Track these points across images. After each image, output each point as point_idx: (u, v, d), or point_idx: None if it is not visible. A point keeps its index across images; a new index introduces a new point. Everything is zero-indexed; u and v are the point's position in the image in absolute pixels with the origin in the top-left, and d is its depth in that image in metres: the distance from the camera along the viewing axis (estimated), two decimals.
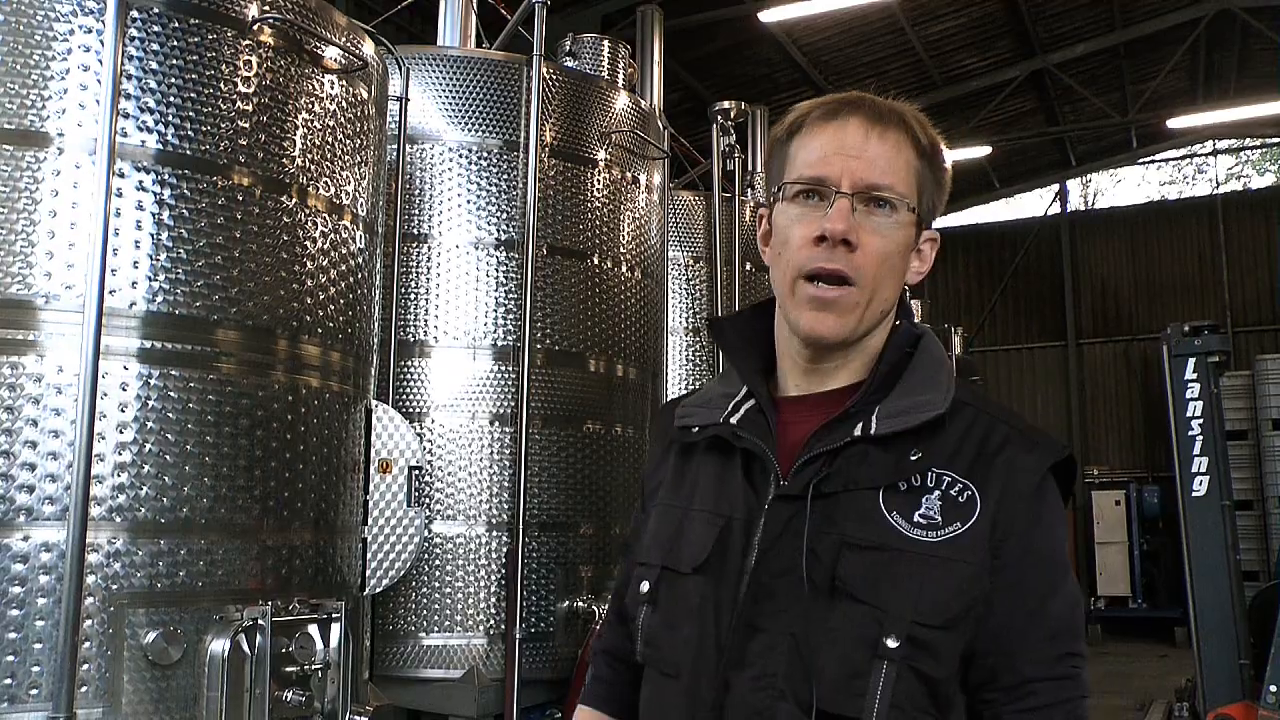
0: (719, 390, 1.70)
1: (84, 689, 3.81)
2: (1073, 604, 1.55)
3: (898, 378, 1.58)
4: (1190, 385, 6.02)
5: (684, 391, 1.88)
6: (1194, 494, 5.96)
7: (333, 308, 4.73)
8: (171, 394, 4.11)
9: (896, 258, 1.56)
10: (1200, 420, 5.98)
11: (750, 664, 1.49)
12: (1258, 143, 21.95)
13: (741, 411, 1.63)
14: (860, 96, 1.62)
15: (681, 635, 1.57)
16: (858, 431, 1.53)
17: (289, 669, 4.18)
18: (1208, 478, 5.93)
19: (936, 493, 1.51)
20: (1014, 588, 1.50)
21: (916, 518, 1.49)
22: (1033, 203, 22.70)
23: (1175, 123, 17.49)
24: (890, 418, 1.52)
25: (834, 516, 1.50)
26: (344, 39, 4.87)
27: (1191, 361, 6.07)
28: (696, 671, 1.54)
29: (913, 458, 1.51)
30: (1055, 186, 22.27)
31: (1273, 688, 5.35)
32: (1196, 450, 5.97)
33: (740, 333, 1.73)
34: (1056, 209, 22.14)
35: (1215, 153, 21.96)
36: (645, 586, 1.64)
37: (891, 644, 1.43)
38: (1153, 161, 22.56)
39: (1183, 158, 22.42)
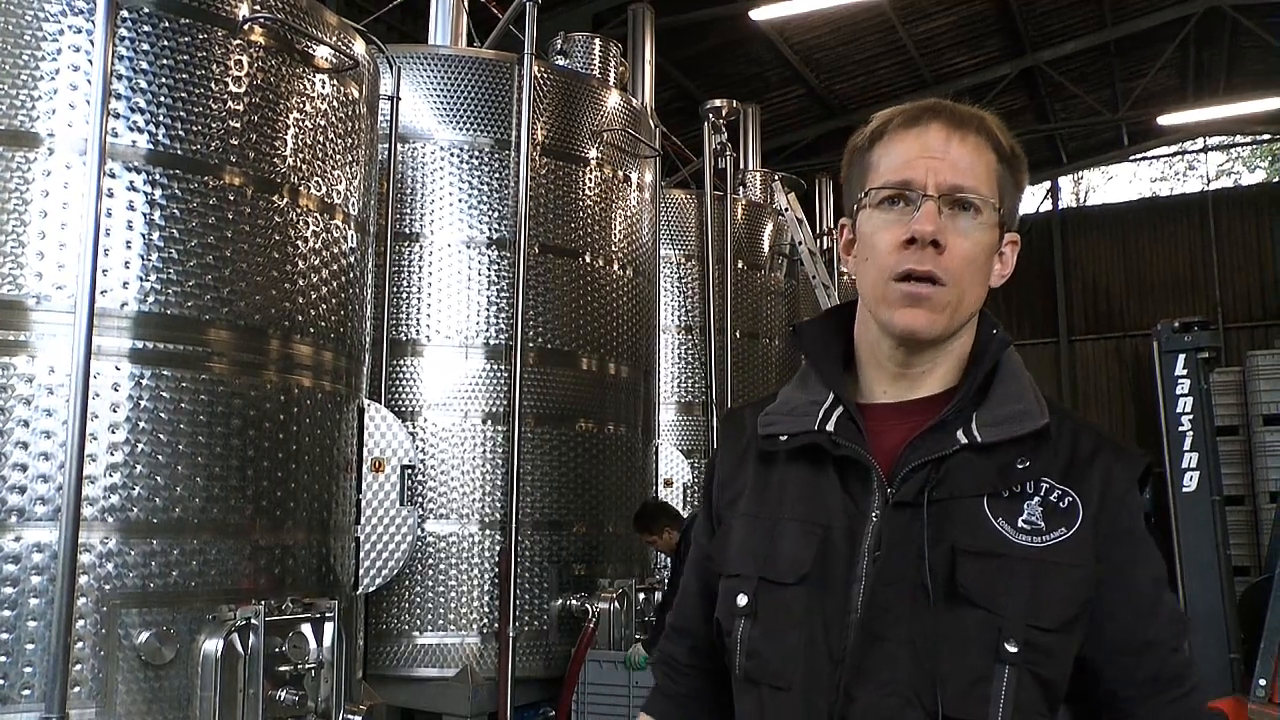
0: (803, 398, 1.67)
1: (77, 689, 3.81)
2: (1174, 598, 1.62)
3: (987, 386, 1.60)
4: (1181, 381, 6.03)
5: (743, 402, 1.89)
6: (1185, 489, 5.97)
7: (325, 307, 4.73)
8: (163, 394, 4.11)
9: (982, 259, 1.58)
10: (1190, 416, 6.00)
11: (872, 673, 1.50)
12: (1248, 140, 22.01)
13: (833, 419, 1.62)
14: (939, 103, 1.62)
15: (788, 646, 1.57)
16: (962, 439, 1.54)
17: (283, 668, 4.18)
18: (1198, 473, 5.94)
19: (1037, 499, 1.53)
20: (1130, 590, 1.54)
21: (1020, 523, 1.51)
22: (1024, 200, 22.72)
23: (1166, 120, 17.53)
24: (992, 426, 1.54)
25: (943, 523, 1.52)
26: (335, 38, 4.87)
27: (1182, 358, 6.09)
28: (810, 683, 1.54)
29: (1020, 466, 1.53)
30: (1047, 184, 22.30)
31: (1262, 681, 5.37)
32: (1187, 446, 5.98)
33: (819, 339, 1.73)
34: (1048, 206, 22.18)
35: (1206, 149, 22.00)
36: (743, 599, 1.61)
37: (1011, 648, 1.46)
38: (1144, 158, 22.60)
39: (1174, 155, 22.46)
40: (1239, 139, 21.91)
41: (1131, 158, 22.42)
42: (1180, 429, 5.99)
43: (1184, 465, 5.92)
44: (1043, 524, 1.51)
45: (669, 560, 7.19)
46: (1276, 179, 22.14)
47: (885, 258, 1.55)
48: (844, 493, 1.58)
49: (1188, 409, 5.97)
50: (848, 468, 1.59)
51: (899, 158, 1.57)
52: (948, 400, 1.59)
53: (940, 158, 1.55)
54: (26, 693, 3.75)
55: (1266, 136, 21.58)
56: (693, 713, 1.85)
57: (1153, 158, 22.59)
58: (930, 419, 1.57)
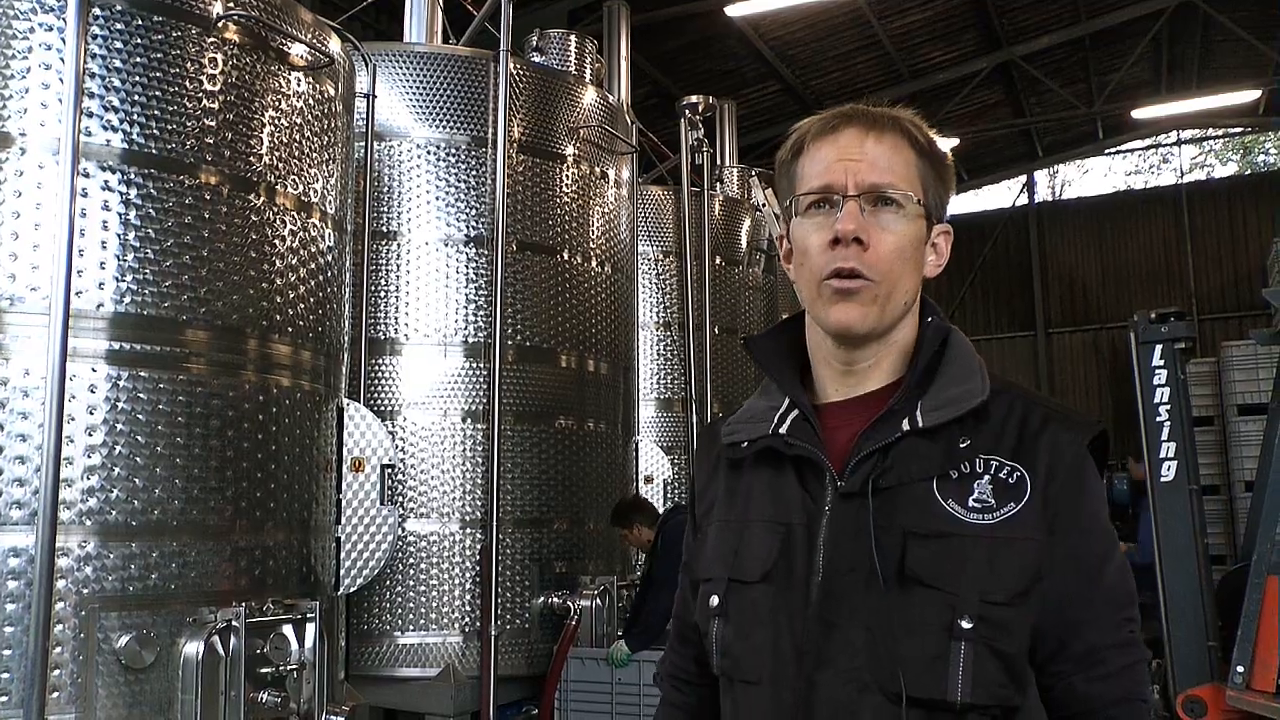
0: (762, 404, 1.74)
1: (56, 694, 3.78)
2: (1124, 569, 1.63)
3: (934, 373, 1.65)
4: (1157, 372, 6.06)
5: (723, 415, 2.01)
6: (1162, 479, 6.00)
7: (303, 306, 4.71)
8: (141, 395, 4.08)
9: (910, 251, 1.62)
10: (1167, 406, 6.02)
11: (831, 661, 1.55)
12: (1220, 133, 22.20)
13: (788, 421, 1.68)
14: (854, 108, 1.68)
15: (755, 642, 1.62)
16: (905, 426, 1.58)
17: (264, 670, 4.16)
18: (1175, 463, 5.97)
19: (986, 477, 1.57)
20: (1070, 559, 1.57)
21: (971, 502, 1.56)
22: (1001, 194, 22.85)
23: (1140, 114, 17.65)
24: (935, 410, 1.59)
25: (893, 510, 1.56)
26: (310, 35, 4.84)
27: (1158, 348, 6.11)
28: (777, 675, 1.59)
29: (961, 445, 1.58)
30: (1023, 178, 22.43)
31: (1240, 668, 5.41)
32: (1164, 436, 6.01)
33: (773, 348, 1.79)
34: (1024, 200, 22.30)
35: (1179, 143, 22.18)
36: (715, 600, 1.68)
37: (965, 625, 1.49)
38: (1118, 152, 22.76)
39: (1148, 148, 22.64)
40: (1211, 132, 22.09)
41: (1106, 151, 22.57)
42: (1158, 419, 6.01)
43: (1162, 455, 5.95)
44: (993, 501, 1.56)
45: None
46: (1248, 172, 22.33)
47: (816, 260, 1.62)
48: (802, 490, 1.64)
49: (1165, 399, 6.00)
50: (804, 466, 1.65)
51: (820, 164, 1.64)
52: (895, 391, 1.65)
53: (858, 159, 1.62)
54: (4, 699, 3.72)
55: (1238, 130, 21.76)
56: None
57: (1127, 151, 22.76)
58: (880, 411, 1.63)
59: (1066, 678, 1.58)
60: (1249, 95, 17.32)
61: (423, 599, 6.32)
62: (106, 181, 4.08)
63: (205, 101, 4.35)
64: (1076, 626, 1.57)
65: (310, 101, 4.83)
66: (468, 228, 6.65)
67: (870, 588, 1.53)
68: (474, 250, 6.64)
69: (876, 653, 1.52)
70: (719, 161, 11.63)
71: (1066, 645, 1.57)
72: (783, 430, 1.67)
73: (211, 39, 4.39)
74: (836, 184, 1.60)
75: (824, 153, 1.64)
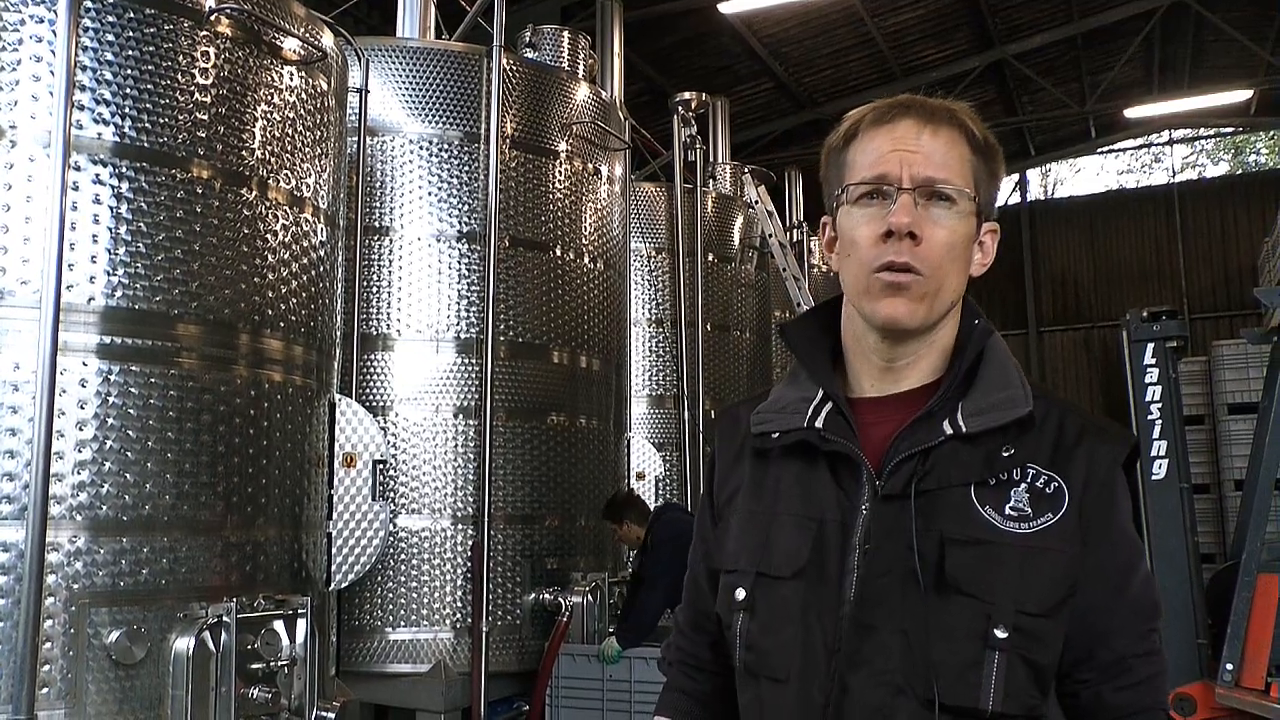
0: (793, 395, 1.70)
1: (45, 690, 3.76)
2: (1149, 579, 1.63)
3: (973, 375, 1.62)
4: (1149, 370, 6.09)
5: (741, 400, 1.94)
6: (1154, 477, 6.03)
7: (295, 301, 4.69)
8: (132, 390, 4.06)
9: (960, 248, 1.59)
10: (1159, 404, 6.05)
11: (866, 663, 1.52)
12: (1211, 133, 22.25)
13: (823, 415, 1.64)
14: (911, 98, 1.65)
15: (785, 639, 1.59)
16: (948, 429, 1.56)
17: (255, 666, 4.15)
18: (1167, 461, 6.00)
19: (1024, 485, 1.55)
20: (1100, 569, 1.56)
21: (1008, 510, 1.54)
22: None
23: (1132, 113, 17.68)
24: (977, 415, 1.56)
25: (931, 514, 1.54)
26: (303, 30, 4.83)
27: (1150, 347, 6.14)
28: (806, 674, 1.57)
29: (1005, 454, 1.55)
30: (1015, 176, 22.44)
31: (1229, 666, 5.43)
32: (1156, 434, 6.04)
33: (806, 337, 1.76)
34: (1016, 198, 22.32)
35: (1171, 142, 22.22)
36: (741, 594, 1.65)
37: (1001, 634, 1.48)
38: (1110, 151, 22.80)
39: (1139, 147, 22.67)
40: (1203, 132, 22.14)
41: (1098, 150, 22.61)
42: (1150, 417, 6.05)
43: (1153, 453, 5.98)
44: (1030, 510, 1.54)
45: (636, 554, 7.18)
46: (1240, 171, 22.40)
47: (865, 252, 1.58)
48: (836, 487, 1.61)
49: (1156, 397, 6.03)
50: (839, 462, 1.62)
51: (873, 154, 1.60)
52: (934, 391, 1.62)
53: (913, 151, 1.58)
54: None
55: (1230, 130, 21.82)
56: (718, 713, 1.86)
57: (1119, 150, 22.80)
58: (918, 411, 1.59)
59: (1094, 686, 1.57)
60: (1240, 95, 17.36)
61: (414, 595, 6.31)
62: (98, 175, 4.07)
63: (197, 95, 4.33)
64: (1104, 636, 1.56)
65: (303, 96, 4.82)
66: (460, 223, 6.64)
67: (907, 591, 1.51)
68: (466, 246, 6.63)
69: (912, 658, 1.50)
70: (712, 158, 11.64)
71: (1094, 654, 1.56)
72: (818, 424, 1.63)
73: (204, 32, 4.37)
74: (891, 175, 1.57)
75: (878, 143, 1.60)
